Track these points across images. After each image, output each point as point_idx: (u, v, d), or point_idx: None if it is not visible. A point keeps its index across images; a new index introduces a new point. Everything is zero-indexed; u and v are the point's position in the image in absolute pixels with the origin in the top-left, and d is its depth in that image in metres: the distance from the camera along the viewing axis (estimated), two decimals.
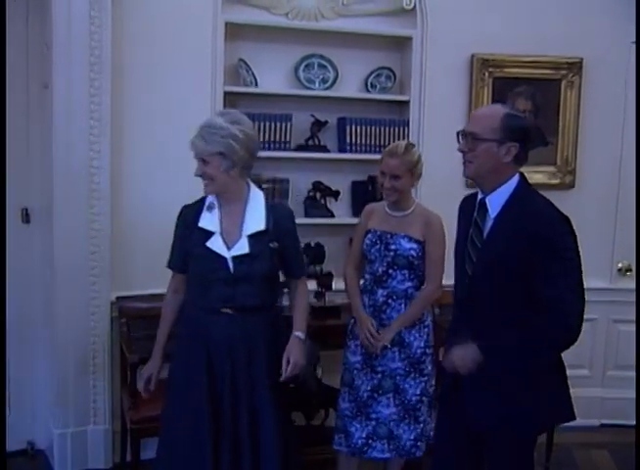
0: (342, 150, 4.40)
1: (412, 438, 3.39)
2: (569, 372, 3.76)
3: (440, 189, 4.42)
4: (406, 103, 4.44)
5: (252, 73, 4.17)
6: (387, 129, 4.39)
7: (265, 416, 2.89)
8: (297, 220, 4.27)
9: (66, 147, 3.70)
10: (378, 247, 3.41)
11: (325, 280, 4.12)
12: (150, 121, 3.94)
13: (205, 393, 2.88)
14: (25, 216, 3.97)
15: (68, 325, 3.83)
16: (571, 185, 4.64)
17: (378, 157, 4.27)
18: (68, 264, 3.77)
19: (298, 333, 2.98)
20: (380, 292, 3.41)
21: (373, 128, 4.36)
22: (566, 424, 4.20)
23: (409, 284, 3.38)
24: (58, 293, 3.80)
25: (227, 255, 2.86)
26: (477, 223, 2.56)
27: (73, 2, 3.61)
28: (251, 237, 2.86)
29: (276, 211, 2.95)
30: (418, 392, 3.38)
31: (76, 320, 3.85)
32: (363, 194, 4.46)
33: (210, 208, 2.94)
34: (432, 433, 3.35)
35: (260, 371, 2.91)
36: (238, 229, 2.88)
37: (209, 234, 2.89)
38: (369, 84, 4.41)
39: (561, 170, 4.63)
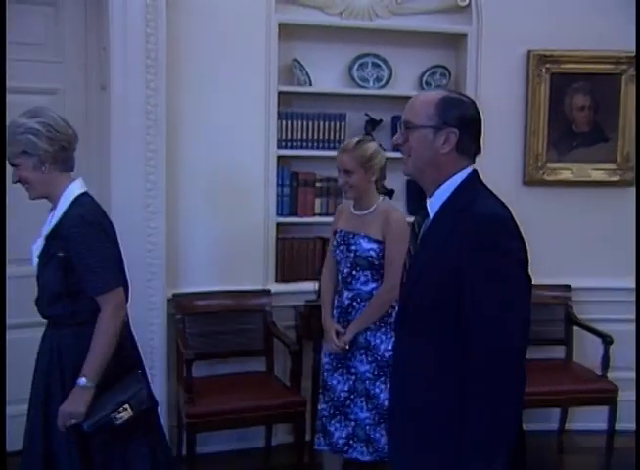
0: (396, 149, 4.37)
1: None
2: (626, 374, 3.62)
3: (496, 191, 4.37)
4: None
5: (307, 73, 4.20)
6: None
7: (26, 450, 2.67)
8: None
9: (123, 148, 3.80)
10: (341, 247, 3.34)
11: None
12: (204, 121, 4.01)
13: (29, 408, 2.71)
14: None
15: None
16: (632, 183, 4.52)
17: None
18: (125, 262, 3.84)
19: (80, 379, 2.53)
20: (346, 294, 3.34)
21: None
22: (625, 428, 4.15)
23: (373, 285, 3.28)
24: None
25: (34, 262, 2.68)
26: (413, 228, 2.17)
27: (129, 6, 3.71)
28: (47, 241, 2.61)
29: (68, 216, 2.58)
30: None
31: (134, 317, 3.87)
32: (418, 193, 4.41)
33: (51, 210, 2.71)
34: None
35: (52, 399, 2.62)
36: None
37: None
38: (424, 82, 4.39)
39: (621, 168, 4.52)
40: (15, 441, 2.78)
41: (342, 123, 4.25)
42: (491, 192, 2.12)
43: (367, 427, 3.27)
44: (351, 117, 4.30)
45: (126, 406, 2.54)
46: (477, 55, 4.32)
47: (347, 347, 3.28)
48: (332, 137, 4.25)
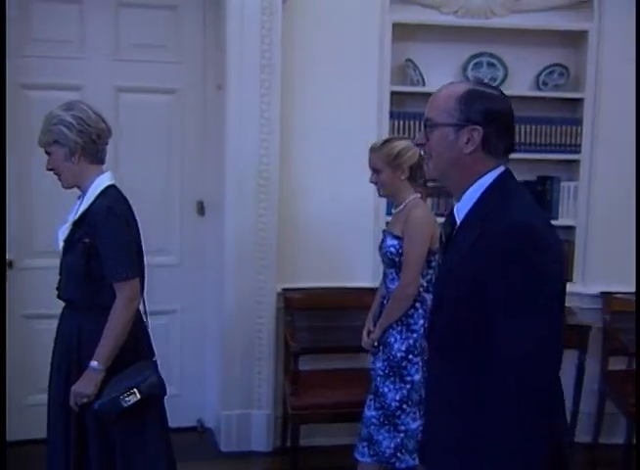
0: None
1: (392, 446, 3.20)
2: None
3: (615, 194, 4.24)
4: (580, 101, 4.28)
5: (420, 73, 4.20)
6: (558, 128, 4.27)
7: (51, 433, 2.81)
8: None
9: (237, 144, 3.92)
10: (379, 247, 3.37)
11: None
12: (317, 121, 4.07)
13: (49, 391, 2.86)
14: (200, 209, 4.25)
15: (237, 313, 4.05)
16: None
17: (548, 156, 4.24)
18: (237, 255, 4.00)
19: (92, 362, 2.67)
20: (383, 292, 3.35)
21: (543, 128, 4.24)
22: None
23: (397, 283, 3.24)
24: (227, 282, 4.02)
25: (60, 243, 2.82)
26: (441, 238, 2.01)
27: (246, 9, 3.83)
28: (74, 228, 2.75)
29: (96, 205, 2.72)
30: (397, 398, 3.19)
31: (244, 309, 4.06)
32: (532, 194, 4.34)
33: (79, 198, 2.85)
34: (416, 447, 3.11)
35: (62, 380, 2.77)
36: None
37: None
38: (540, 82, 4.29)
39: None
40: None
41: None
42: (525, 195, 1.91)
43: (372, 427, 3.23)
44: None
45: (134, 390, 2.67)
46: (597, 52, 4.18)
47: (376, 344, 3.28)
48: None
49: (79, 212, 2.72)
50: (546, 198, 4.27)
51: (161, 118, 4.16)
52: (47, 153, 2.76)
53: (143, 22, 4.08)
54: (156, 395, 2.77)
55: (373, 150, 3.29)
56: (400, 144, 3.25)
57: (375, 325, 3.32)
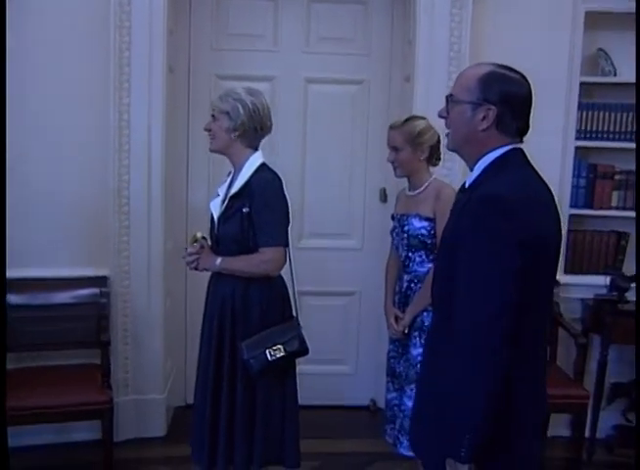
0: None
1: None
2: None
3: None
4: None
5: (611, 63, 4.09)
6: None
7: (230, 383, 2.97)
8: None
9: None
10: (397, 230, 3.23)
11: None
12: None
13: (202, 346, 3.08)
14: (383, 196, 4.38)
15: None
16: None
17: None
18: None
19: (218, 259, 2.94)
20: (405, 277, 3.21)
21: None
22: None
23: (429, 266, 3.07)
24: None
25: (216, 215, 3.01)
26: (451, 208, 2.18)
27: (436, 1, 3.87)
28: (232, 200, 2.93)
29: (256, 177, 2.91)
30: None
31: None
32: None
33: (229, 174, 3.07)
34: None
35: (228, 337, 2.96)
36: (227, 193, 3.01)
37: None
38: None
39: None
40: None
41: None
42: (520, 171, 2.00)
43: None
44: None
45: (279, 347, 2.92)
46: None
47: (406, 331, 3.17)
48: (633, 129, 4.09)
49: (239, 186, 2.91)
50: None
51: (348, 108, 4.32)
52: (213, 116, 2.98)
53: (333, 16, 4.24)
54: (298, 353, 2.99)
55: (393, 128, 3.21)
56: (421, 123, 3.17)
57: (403, 312, 3.23)
